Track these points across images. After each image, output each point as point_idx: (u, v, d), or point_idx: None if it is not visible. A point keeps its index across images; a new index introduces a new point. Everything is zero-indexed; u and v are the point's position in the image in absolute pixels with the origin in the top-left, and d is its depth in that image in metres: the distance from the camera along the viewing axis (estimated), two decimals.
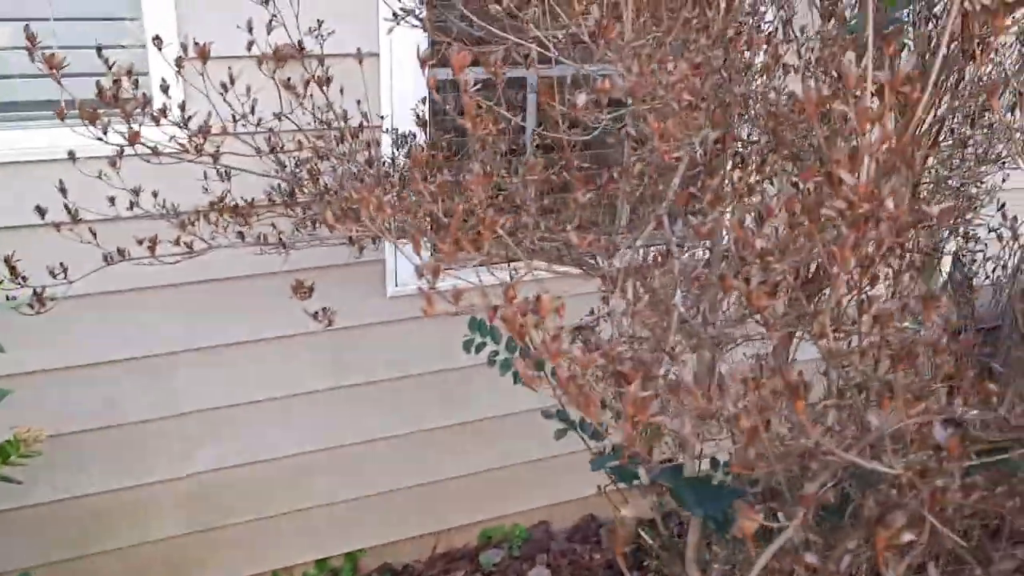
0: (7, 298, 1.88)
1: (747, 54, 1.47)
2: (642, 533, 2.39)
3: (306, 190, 2.17)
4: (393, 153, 2.56)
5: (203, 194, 2.31)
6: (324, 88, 2.08)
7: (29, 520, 2.88)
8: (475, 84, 1.31)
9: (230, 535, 3.20)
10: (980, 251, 2.22)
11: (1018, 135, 1.40)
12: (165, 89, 1.94)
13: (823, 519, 1.50)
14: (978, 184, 1.86)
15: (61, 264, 2.05)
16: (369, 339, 3.13)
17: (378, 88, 2.79)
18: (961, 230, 2.03)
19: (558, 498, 3.74)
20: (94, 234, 2.11)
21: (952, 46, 1.53)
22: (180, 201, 2.30)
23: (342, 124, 2.31)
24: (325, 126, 2.29)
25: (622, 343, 1.20)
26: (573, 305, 1.29)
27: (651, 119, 1.19)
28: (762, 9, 1.78)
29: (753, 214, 1.20)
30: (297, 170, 2.19)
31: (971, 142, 1.69)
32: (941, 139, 1.88)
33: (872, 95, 1.03)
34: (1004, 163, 1.77)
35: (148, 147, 1.76)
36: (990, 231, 2.04)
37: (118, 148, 1.90)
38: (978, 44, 1.57)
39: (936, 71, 1.01)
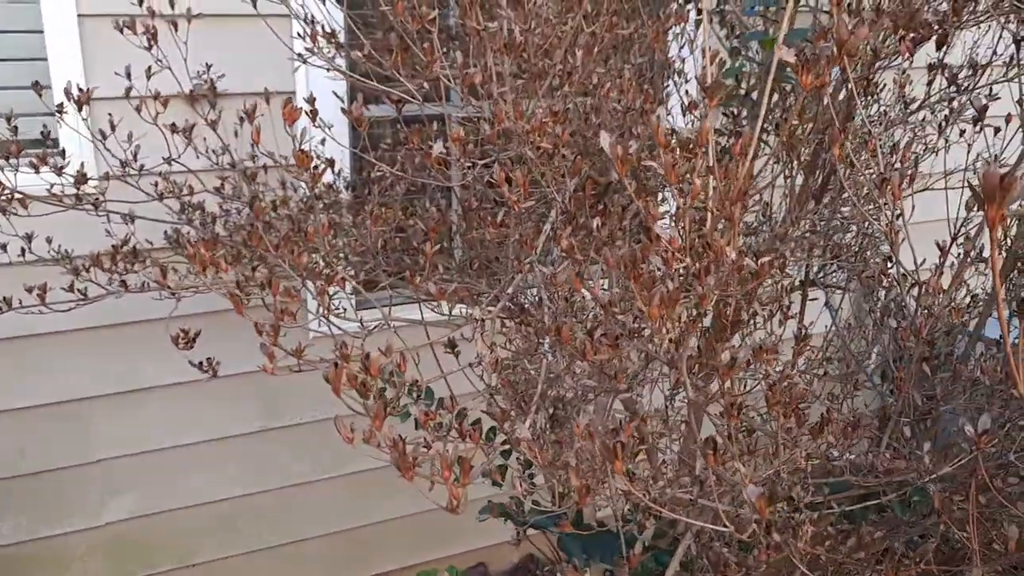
0: None
1: (618, 98, 1.46)
2: None
3: (195, 234, 2.13)
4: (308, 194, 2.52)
5: (106, 236, 2.27)
6: (216, 130, 2.05)
7: None
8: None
9: None
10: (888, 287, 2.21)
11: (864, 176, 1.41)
12: (45, 136, 1.90)
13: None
14: (873, 223, 1.86)
15: None
16: (292, 380, 3.06)
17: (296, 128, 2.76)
18: (863, 267, 2.03)
19: (497, 538, 3.68)
20: None
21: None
22: (83, 246, 2.25)
23: (246, 165, 2.28)
24: (230, 168, 2.26)
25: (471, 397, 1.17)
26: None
27: (496, 169, 1.17)
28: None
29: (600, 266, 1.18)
30: (189, 213, 2.15)
31: (852, 183, 1.69)
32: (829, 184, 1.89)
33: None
34: (882, 204, 1.78)
35: (14, 196, 1.72)
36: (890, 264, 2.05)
37: (7, 195, 1.87)
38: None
39: (759, 124, 1.00)
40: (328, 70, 2.27)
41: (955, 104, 2.06)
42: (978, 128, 2.07)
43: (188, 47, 2.05)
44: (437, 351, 1.52)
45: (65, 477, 2.87)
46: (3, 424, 2.72)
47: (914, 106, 2.06)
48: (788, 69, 1.89)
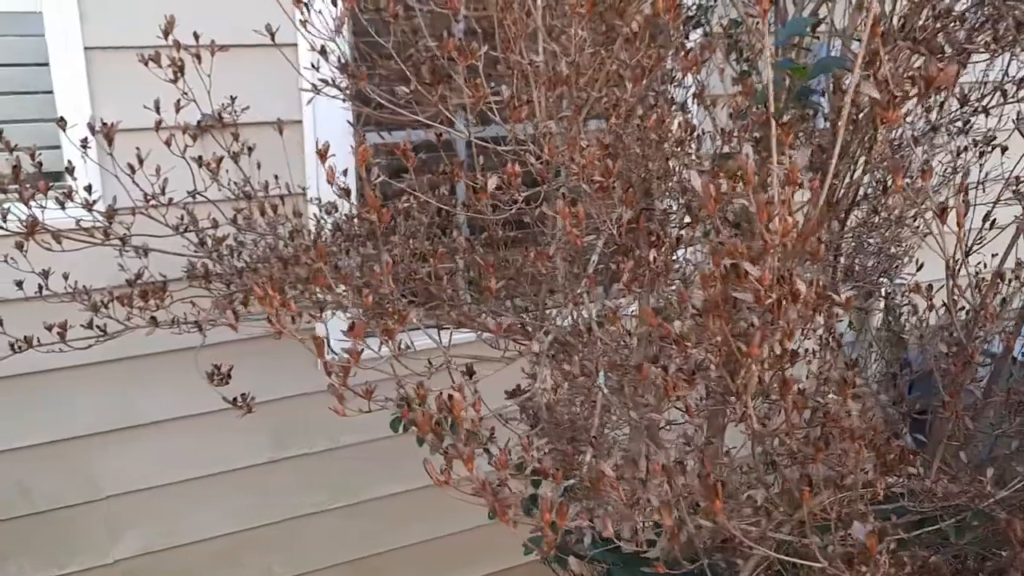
0: None
1: (659, 129, 1.47)
2: None
3: (222, 267, 2.11)
4: (319, 223, 2.50)
5: (119, 271, 2.24)
6: (237, 162, 2.03)
7: None
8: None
9: None
10: (906, 304, 2.24)
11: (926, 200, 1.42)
12: (71, 171, 1.88)
13: None
14: (897, 245, 1.88)
15: None
16: (301, 411, 3.04)
17: (303, 157, 2.75)
18: (884, 288, 2.06)
19: (507, 563, 3.65)
20: (0, 321, 2.01)
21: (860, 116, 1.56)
22: (96, 280, 2.22)
23: (262, 196, 2.26)
24: (246, 199, 2.24)
25: (541, 434, 1.17)
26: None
27: (559, 204, 1.17)
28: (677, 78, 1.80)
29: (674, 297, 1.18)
30: (215, 246, 2.13)
31: (884, 206, 1.71)
32: (858, 201, 1.91)
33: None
34: (918, 227, 1.81)
35: (50, 232, 1.69)
36: (909, 289, 2.07)
37: (25, 231, 1.83)
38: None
39: (836, 155, 1.00)
40: (344, 100, 2.27)
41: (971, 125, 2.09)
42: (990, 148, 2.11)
43: (211, 79, 2.03)
44: (488, 384, 1.51)
45: (72, 515, 2.82)
46: (7, 463, 2.67)
47: (927, 128, 2.10)
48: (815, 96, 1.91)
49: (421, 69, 2.16)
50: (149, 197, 1.94)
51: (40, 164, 1.75)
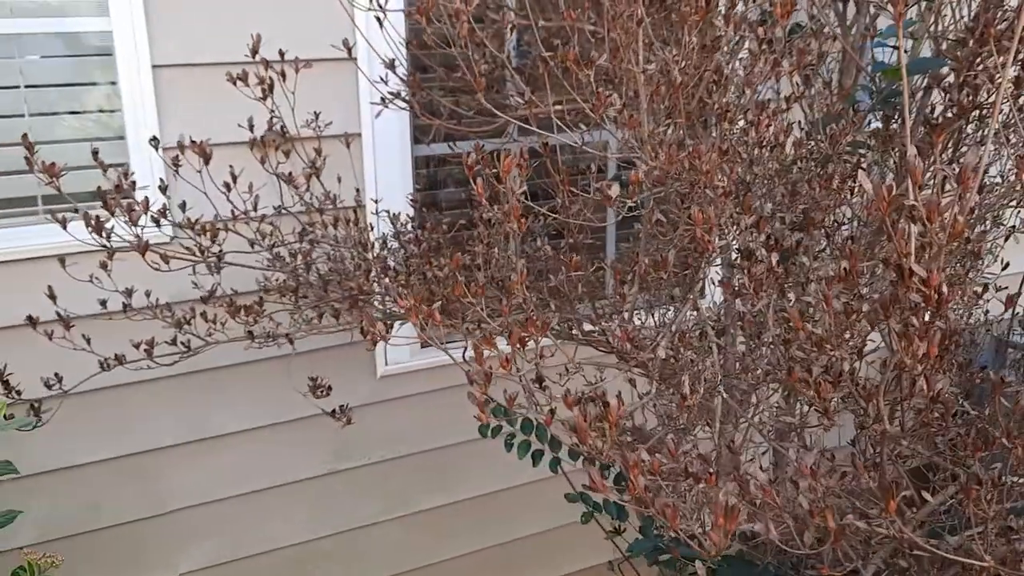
0: (4, 417, 1.79)
1: (765, 133, 1.48)
2: None
3: (302, 280, 2.12)
4: (385, 235, 2.52)
5: (192, 288, 2.25)
6: (319, 177, 2.05)
7: None
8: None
9: None
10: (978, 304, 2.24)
11: None
12: (164, 189, 1.89)
13: None
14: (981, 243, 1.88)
15: (56, 374, 1.97)
16: (362, 421, 3.05)
17: (363, 169, 2.76)
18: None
19: (561, 570, 3.66)
20: (88, 340, 2.03)
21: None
22: (168, 296, 2.24)
23: (335, 209, 2.28)
24: (319, 213, 2.26)
25: (677, 437, 1.17)
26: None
27: (695, 209, 1.18)
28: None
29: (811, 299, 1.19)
30: (293, 260, 2.15)
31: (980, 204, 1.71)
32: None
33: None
34: (1013, 227, 1.82)
35: (158, 253, 1.71)
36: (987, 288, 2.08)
37: (111, 250, 1.85)
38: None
39: (986, 157, 1.02)
40: (418, 116, 2.28)
41: None
42: None
43: (295, 96, 2.05)
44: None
45: (139, 530, 2.83)
46: (77, 478, 2.68)
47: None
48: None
49: (522, 75, 2.18)
50: (238, 213, 1.96)
51: (134, 184, 1.76)
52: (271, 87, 1.91)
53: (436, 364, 3.11)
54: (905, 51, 2.10)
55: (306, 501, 3.07)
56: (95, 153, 1.76)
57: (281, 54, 1.98)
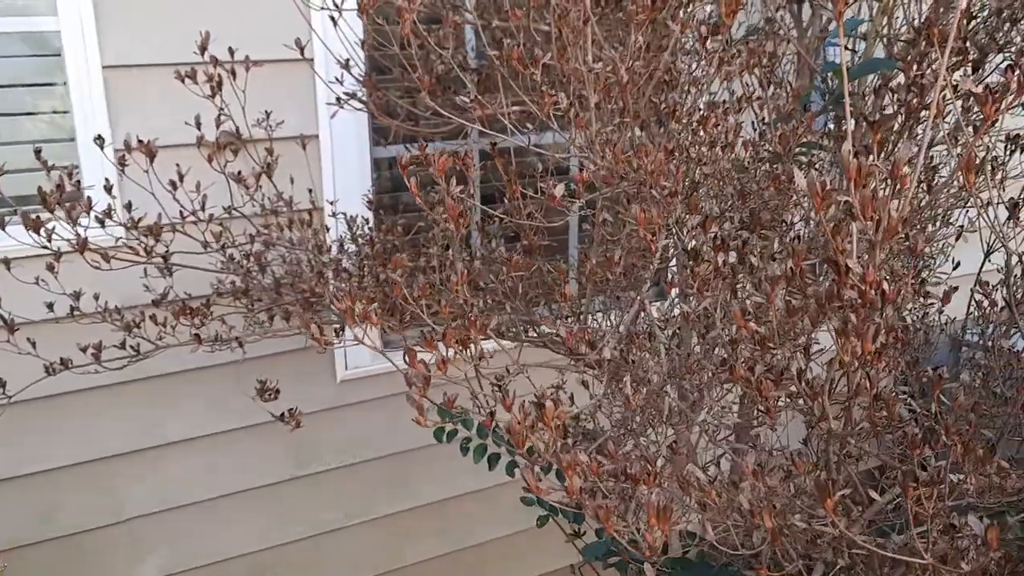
0: None
1: (713, 133, 1.47)
2: None
3: (255, 282, 2.09)
4: (341, 237, 2.49)
5: (144, 291, 2.21)
6: (271, 178, 2.02)
7: None
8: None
9: None
10: (932, 303, 2.26)
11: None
12: (109, 189, 1.85)
13: None
14: (932, 244, 1.90)
15: None
16: (321, 426, 3.02)
17: (320, 171, 2.73)
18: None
19: (525, 574, 3.64)
20: (33, 344, 1.99)
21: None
22: (119, 299, 2.19)
23: (290, 211, 2.25)
24: (273, 215, 2.23)
25: (621, 439, 1.16)
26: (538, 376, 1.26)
27: (636, 209, 1.17)
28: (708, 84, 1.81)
29: (748, 300, 1.19)
30: (246, 262, 2.11)
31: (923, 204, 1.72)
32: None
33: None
34: (962, 227, 1.83)
35: (99, 253, 1.67)
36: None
37: (54, 251, 1.81)
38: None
39: (925, 148, 1.01)
40: (375, 117, 2.25)
41: None
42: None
43: (247, 96, 2.02)
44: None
45: (93, 539, 2.78)
46: (32, 487, 2.63)
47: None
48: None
49: (446, 79, 2.16)
50: (186, 214, 1.92)
51: (78, 183, 1.73)
52: (220, 84, 1.88)
53: (395, 368, 3.08)
54: (856, 52, 2.11)
55: (265, 508, 3.02)
56: (38, 152, 1.72)
57: (231, 52, 1.95)
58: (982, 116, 0.91)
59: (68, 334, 2.09)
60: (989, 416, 1.44)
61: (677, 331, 1.46)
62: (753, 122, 1.87)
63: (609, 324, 1.74)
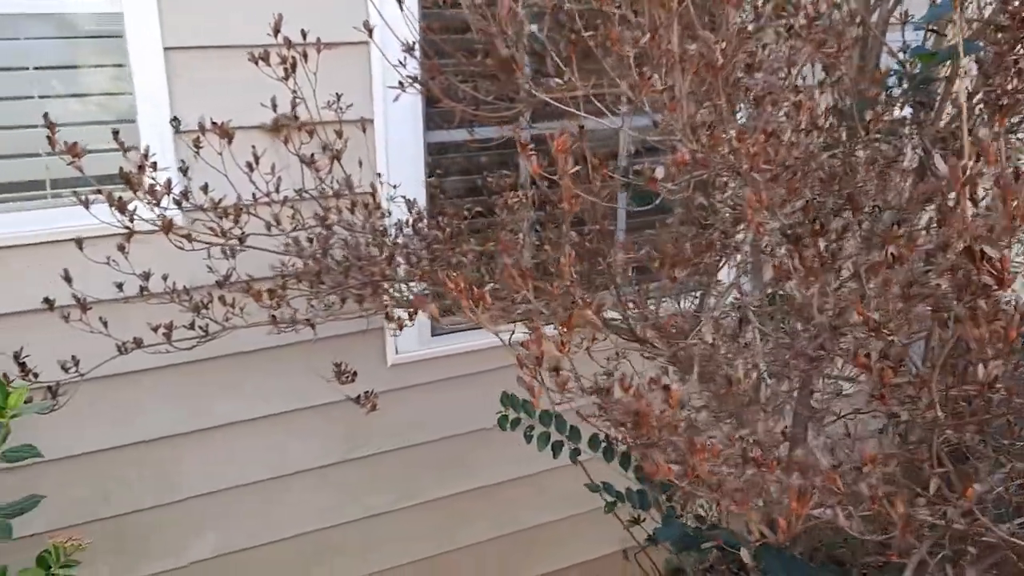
0: (24, 402, 1.76)
1: (804, 116, 1.45)
2: None
3: (322, 265, 2.09)
4: (400, 222, 2.48)
5: (207, 273, 2.22)
6: (340, 160, 2.02)
7: None
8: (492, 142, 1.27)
9: None
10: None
11: None
12: (184, 171, 1.86)
13: None
14: None
15: (73, 357, 1.93)
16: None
17: (374, 155, 2.72)
18: None
19: (587, 556, 3.64)
20: (105, 323, 2.00)
21: None
22: (182, 280, 2.20)
23: (352, 194, 2.25)
24: (335, 198, 2.23)
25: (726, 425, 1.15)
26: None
27: (748, 192, 1.16)
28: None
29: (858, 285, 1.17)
30: (311, 245, 2.12)
31: None
32: None
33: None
34: None
35: (181, 235, 1.68)
36: None
37: (131, 230, 1.81)
38: None
39: None
40: (438, 100, 2.24)
41: None
42: None
43: (317, 77, 2.01)
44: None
45: (149, 518, 2.80)
46: (87, 467, 2.65)
47: None
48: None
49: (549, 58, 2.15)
50: (259, 196, 1.93)
51: (155, 164, 1.73)
52: (293, 66, 1.87)
53: (444, 353, 3.09)
54: (946, 36, 2.08)
55: (318, 490, 3.04)
56: (116, 134, 1.72)
57: (303, 34, 1.95)
58: None
59: (136, 315, 2.10)
60: None
61: (771, 316, 1.45)
62: (828, 106, 1.84)
63: (683, 312, 1.73)
